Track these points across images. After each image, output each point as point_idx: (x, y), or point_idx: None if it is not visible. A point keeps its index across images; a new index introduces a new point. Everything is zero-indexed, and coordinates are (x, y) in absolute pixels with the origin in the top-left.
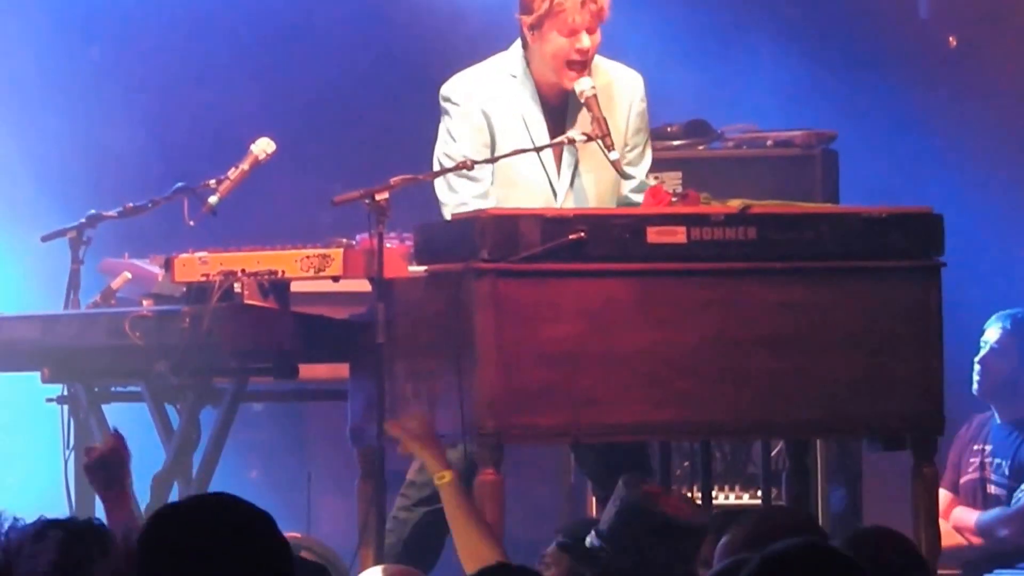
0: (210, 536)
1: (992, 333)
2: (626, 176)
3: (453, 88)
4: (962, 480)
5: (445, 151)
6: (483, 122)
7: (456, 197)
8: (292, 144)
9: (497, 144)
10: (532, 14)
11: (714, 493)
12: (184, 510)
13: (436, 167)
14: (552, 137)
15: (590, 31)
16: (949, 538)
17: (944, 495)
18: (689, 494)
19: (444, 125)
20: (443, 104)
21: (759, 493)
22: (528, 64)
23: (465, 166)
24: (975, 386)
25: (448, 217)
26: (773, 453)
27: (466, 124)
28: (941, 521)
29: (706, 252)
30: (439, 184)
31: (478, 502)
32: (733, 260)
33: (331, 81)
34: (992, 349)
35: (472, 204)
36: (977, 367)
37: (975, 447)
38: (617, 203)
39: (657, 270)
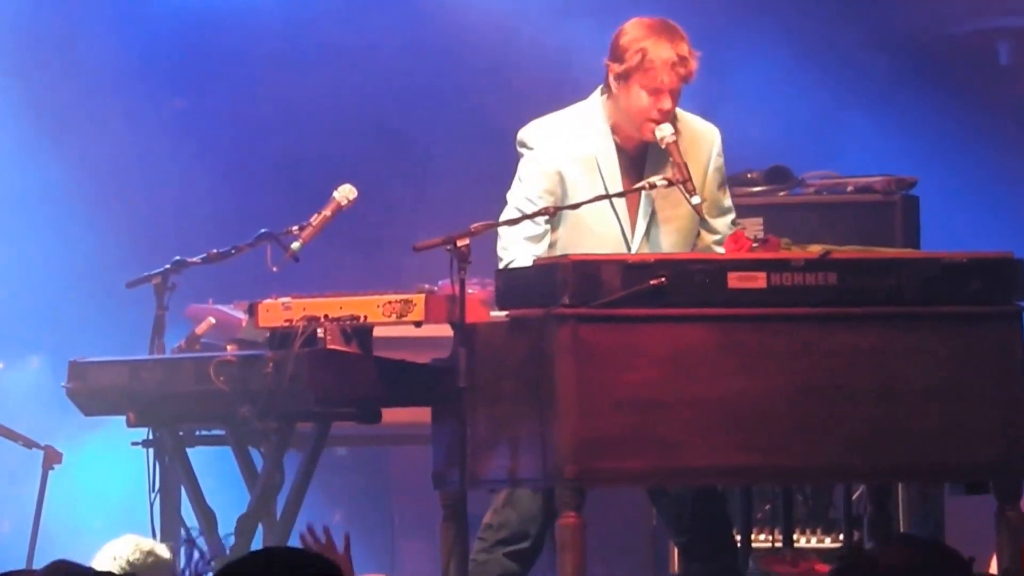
0: None
1: None
2: (706, 222)
3: (529, 133)
4: None
5: (511, 193)
6: (552, 169)
7: (508, 236)
8: (374, 190)
9: (569, 193)
10: (622, 64)
11: (795, 537)
12: (251, 566)
13: (505, 209)
14: (628, 187)
15: (673, 92)
16: None
17: None
18: (771, 538)
19: (518, 168)
20: (518, 148)
21: (840, 537)
22: (608, 113)
23: (547, 212)
24: None
25: (500, 257)
26: (855, 497)
27: (535, 169)
28: None
29: (786, 298)
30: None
31: (560, 545)
32: (813, 306)
33: (415, 127)
34: None
35: (520, 244)
36: None
37: None
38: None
39: (737, 315)
